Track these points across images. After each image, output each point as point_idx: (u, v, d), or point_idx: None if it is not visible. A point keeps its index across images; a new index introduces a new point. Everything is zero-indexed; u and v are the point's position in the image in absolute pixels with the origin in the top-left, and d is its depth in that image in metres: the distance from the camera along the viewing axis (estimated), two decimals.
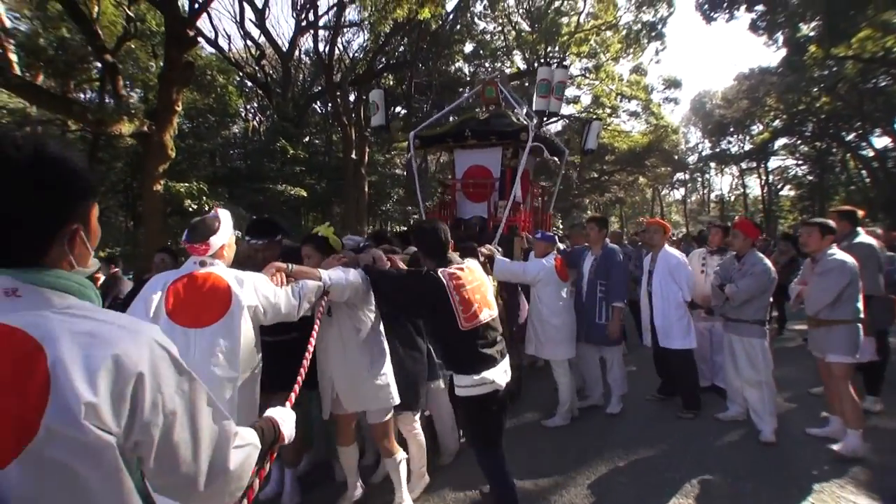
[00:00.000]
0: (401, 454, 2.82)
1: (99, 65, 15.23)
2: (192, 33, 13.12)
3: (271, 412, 1.30)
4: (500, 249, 4.50)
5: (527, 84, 28.30)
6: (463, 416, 2.83)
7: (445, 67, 26.24)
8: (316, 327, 2.17)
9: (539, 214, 6.50)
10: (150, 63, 18.64)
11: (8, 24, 13.71)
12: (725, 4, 20.22)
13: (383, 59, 22.84)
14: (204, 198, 14.02)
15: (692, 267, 4.50)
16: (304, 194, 17.93)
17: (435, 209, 6.75)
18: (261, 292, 2.09)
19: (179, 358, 0.87)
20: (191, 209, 13.93)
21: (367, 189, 20.02)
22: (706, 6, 21.12)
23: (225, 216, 2.25)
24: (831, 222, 3.61)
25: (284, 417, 1.28)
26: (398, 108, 29.59)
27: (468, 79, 28.35)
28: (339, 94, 20.04)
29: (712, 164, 47.23)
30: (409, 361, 2.99)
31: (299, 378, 1.74)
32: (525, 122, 5.43)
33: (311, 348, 1.98)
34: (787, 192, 41.90)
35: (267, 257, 2.84)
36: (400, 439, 2.98)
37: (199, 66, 16.41)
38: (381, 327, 2.78)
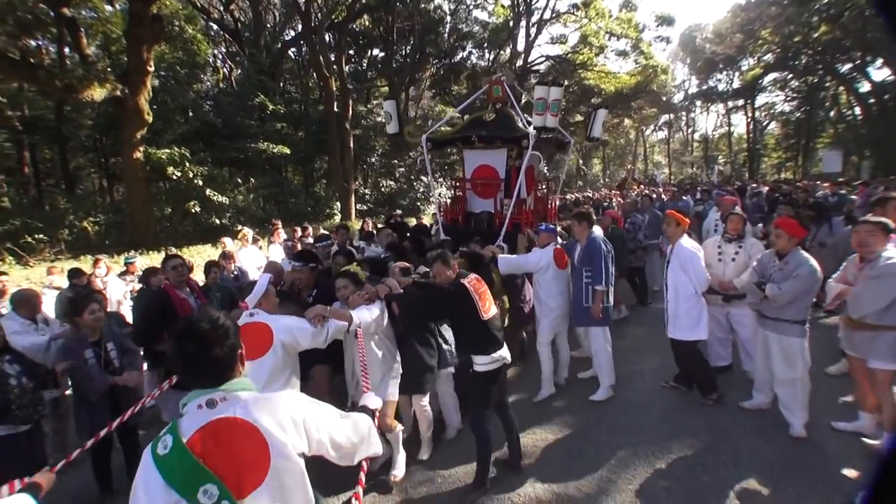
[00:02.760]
0: (399, 427, 3.44)
1: (52, 15, 14.06)
2: None
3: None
4: (504, 247, 5.00)
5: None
6: (474, 387, 3.26)
7: (424, 6, 24.92)
8: (361, 345, 2.80)
9: (544, 202, 6.85)
10: (105, 8, 17.27)
11: None
12: None
13: (362, 0, 21.51)
14: (187, 164, 13.65)
15: (707, 254, 4.46)
16: (288, 152, 17.52)
17: (449, 204, 7.38)
18: (295, 332, 2.71)
19: (313, 400, 1.54)
20: (174, 177, 13.61)
21: (351, 144, 19.62)
22: None
23: (263, 277, 2.86)
24: (891, 222, 3.37)
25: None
26: (376, 51, 28.44)
27: (448, 18, 27.18)
28: (316, 40, 19.05)
29: (698, 103, 46.17)
30: (425, 356, 3.58)
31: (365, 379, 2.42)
32: (526, 129, 5.65)
33: (362, 358, 2.64)
34: (773, 129, 41.80)
35: (305, 279, 3.68)
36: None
37: (166, 16, 15.32)
38: (392, 336, 3.44)
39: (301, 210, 18.04)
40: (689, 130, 53.64)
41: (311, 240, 8.18)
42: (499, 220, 5.80)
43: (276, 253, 7.54)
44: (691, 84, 46.84)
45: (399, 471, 3.38)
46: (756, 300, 3.80)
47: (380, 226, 8.71)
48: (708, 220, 7.23)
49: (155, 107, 13.72)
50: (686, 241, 4.30)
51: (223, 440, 1.28)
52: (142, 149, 12.58)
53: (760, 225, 6.95)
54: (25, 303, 3.73)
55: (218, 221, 14.21)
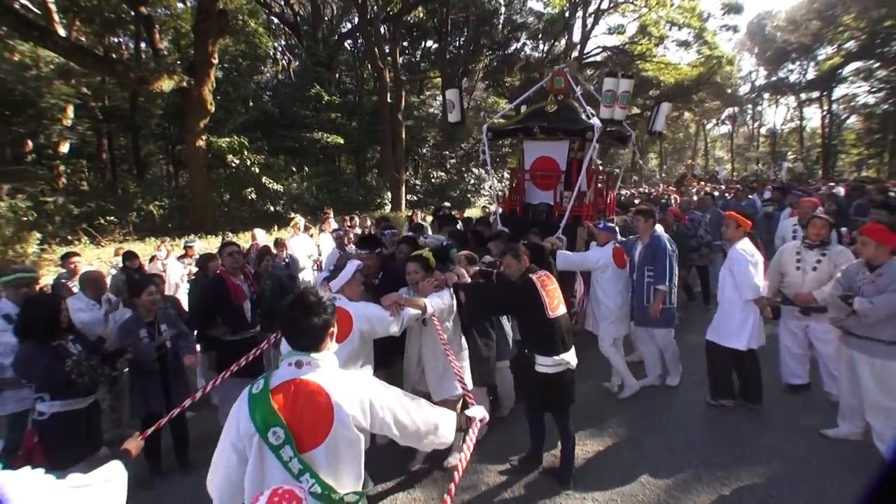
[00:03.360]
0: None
1: (132, 13, 15.02)
2: None
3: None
4: (563, 239, 4.95)
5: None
6: (533, 388, 3.20)
7: None
8: (440, 333, 2.82)
9: (604, 196, 6.75)
10: (177, 5, 18.25)
11: None
12: None
13: None
14: (245, 152, 14.16)
15: (784, 261, 4.11)
16: (341, 141, 17.84)
17: (506, 195, 7.39)
18: (373, 321, 2.74)
19: (382, 383, 1.74)
20: (233, 164, 14.17)
21: (403, 135, 19.72)
22: None
23: (351, 264, 2.93)
24: None
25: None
26: (430, 43, 28.38)
27: (503, 9, 26.69)
28: (372, 32, 19.21)
29: (765, 95, 42.94)
30: (485, 348, 3.64)
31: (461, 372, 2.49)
32: (591, 122, 5.52)
33: (446, 348, 2.65)
34: (853, 123, 37.84)
35: (370, 264, 3.68)
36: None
37: (231, 11, 15.91)
38: (459, 325, 3.39)
39: (352, 199, 18.35)
40: (756, 124, 49.94)
41: (358, 230, 8.24)
42: (558, 211, 5.75)
43: (326, 242, 7.62)
44: (759, 75, 43.67)
45: (455, 458, 3.38)
46: (840, 316, 3.35)
47: (429, 217, 8.70)
48: (783, 223, 6.61)
49: (218, 97, 14.31)
50: (742, 244, 4.00)
51: (298, 398, 1.53)
52: (204, 137, 13.15)
53: (845, 230, 6.27)
54: (92, 283, 3.90)
55: (272, 208, 14.69)
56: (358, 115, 20.57)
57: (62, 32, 13.10)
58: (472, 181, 22.49)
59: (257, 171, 14.43)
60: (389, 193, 19.42)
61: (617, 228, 4.82)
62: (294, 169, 17.30)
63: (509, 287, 3.16)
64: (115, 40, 19.24)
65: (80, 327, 3.21)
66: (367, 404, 1.60)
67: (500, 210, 6.35)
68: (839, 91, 35.19)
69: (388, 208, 18.30)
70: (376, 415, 1.61)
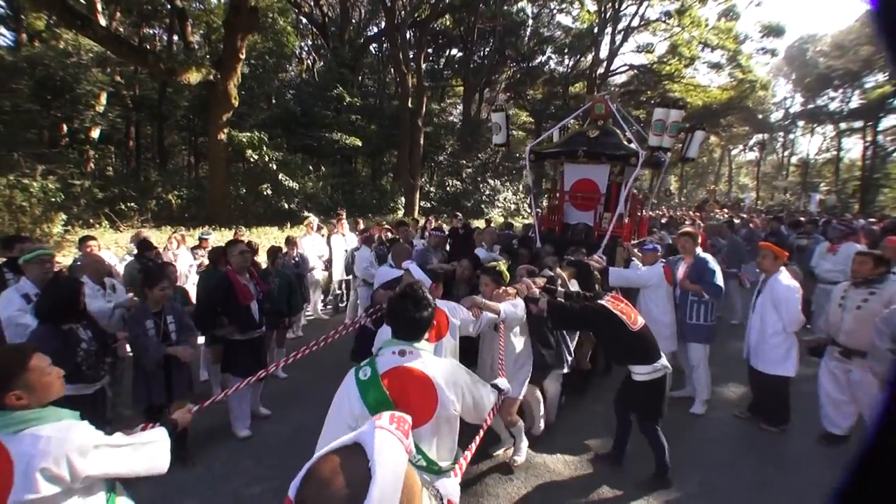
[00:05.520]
0: (520, 422, 3.74)
1: (168, 6, 15.45)
2: None
3: None
4: (604, 258, 5.20)
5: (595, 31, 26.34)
6: (639, 398, 3.36)
7: (508, 7, 24.68)
8: (502, 337, 3.06)
9: (635, 218, 7.11)
10: (211, 0, 18.70)
11: None
12: None
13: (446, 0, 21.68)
14: (264, 147, 14.39)
15: (831, 299, 3.99)
16: (360, 143, 18.01)
17: (545, 213, 7.88)
18: (461, 318, 2.95)
19: (467, 370, 2.00)
20: (252, 160, 14.39)
21: (421, 141, 19.84)
22: None
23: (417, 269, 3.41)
24: None
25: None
26: (453, 51, 28.53)
27: (530, 21, 26.73)
28: (398, 37, 19.43)
29: (800, 123, 41.00)
30: (546, 355, 3.85)
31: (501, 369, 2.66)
32: (634, 148, 5.85)
33: (501, 351, 2.91)
34: None
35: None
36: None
37: (262, 8, 16.25)
38: (528, 333, 3.65)
39: (366, 202, 18.48)
40: (786, 153, 47.80)
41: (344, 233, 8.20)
42: (597, 231, 6.12)
43: (338, 243, 7.70)
44: (794, 102, 41.76)
45: (520, 457, 3.69)
46: (882, 370, 3.10)
47: (444, 226, 8.85)
48: (823, 259, 6.27)
49: (242, 92, 14.55)
50: (784, 276, 4.02)
51: (404, 383, 1.73)
52: (226, 131, 13.40)
53: None
54: (92, 268, 4.00)
55: (287, 205, 14.86)
56: (377, 119, 20.75)
57: (103, 22, 13.53)
58: (488, 192, 22.50)
59: (275, 167, 14.63)
60: (403, 198, 19.52)
61: (660, 248, 5.19)
62: (311, 168, 17.50)
63: (588, 312, 3.34)
64: (150, 32, 19.80)
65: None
66: (460, 389, 1.84)
67: (538, 228, 6.69)
68: (887, 122, 32.76)
69: (401, 213, 18.40)
70: (465, 399, 1.85)
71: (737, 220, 13.38)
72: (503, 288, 3.39)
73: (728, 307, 7.19)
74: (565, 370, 4.11)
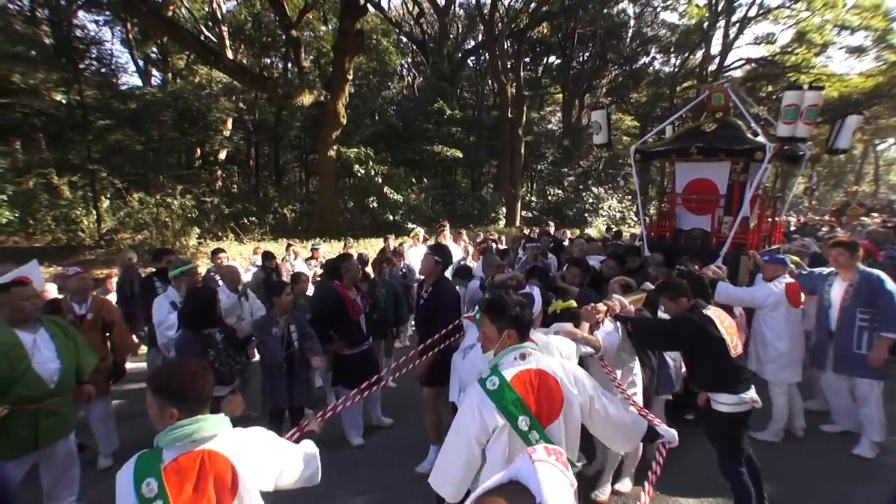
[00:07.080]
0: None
1: (284, 37, 16.88)
2: (362, 1, 13.58)
3: None
4: (724, 268, 4.42)
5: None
6: (720, 429, 2.93)
7: (608, 10, 23.58)
8: (610, 372, 2.78)
9: (767, 222, 6.07)
10: (321, 28, 20.12)
11: (224, 7, 15.80)
12: None
13: (545, 7, 21.27)
14: (370, 162, 14.99)
15: None
16: (460, 155, 18.13)
17: (655, 219, 7.07)
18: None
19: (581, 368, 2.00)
20: (359, 174, 15.07)
21: (522, 150, 19.48)
22: None
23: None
24: None
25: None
26: (552, 58, 27.89)
27: (632, 22, 25.31)
28: (497, 47, 19.38)
29: None
30: (644, 377, 3.47)
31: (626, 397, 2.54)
32: (761, 141, 5.00)
33: (616, 384, 2.68)
34: None
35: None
36: None
37: (367, 31, 17.10)
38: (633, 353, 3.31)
39: (467, 212, 18.48)
40: None
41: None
42: (715, 238, 5.31)
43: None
44: None
45: (604, 493, 3.31)
46: None
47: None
48: None
49: (349, 111, 15.33)
50: None
51: (533, 384, 1.77)
52: (335, 147, 14.16)
53: None
54: (227, 276, 4.38)
55: (391, 217, 15.30)
56: (476, 130, 20.79)
57: (230, 56, 15.10)
58: (591, 200, 21.43)
59: (380, 181, 15.15)
60: (504, 209, 19.25)
61: (788, 260, 4.24)
62: (413, 180, 17.96)
63: (684, 324, 2.92)
64: (268, 61, 21.83)
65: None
66: (581, 385, 1.87)
67: (647, 235, 5.94)
68: None
69: (502, 223, 18.12)
70: (586, 393, 1.87)
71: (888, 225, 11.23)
72: (591, 305, 2.97)
73: None
74: (669, 395, 3.65)
